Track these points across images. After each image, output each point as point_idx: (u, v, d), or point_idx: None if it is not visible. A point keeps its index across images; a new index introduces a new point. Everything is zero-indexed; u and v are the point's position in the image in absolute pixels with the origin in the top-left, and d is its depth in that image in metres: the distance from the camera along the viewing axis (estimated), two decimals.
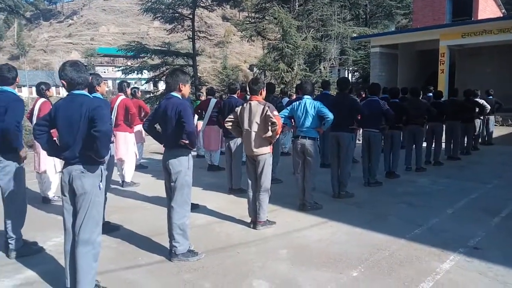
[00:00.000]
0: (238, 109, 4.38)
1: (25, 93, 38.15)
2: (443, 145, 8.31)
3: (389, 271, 3.30)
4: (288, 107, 5.16)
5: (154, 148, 11.10)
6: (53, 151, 3.00)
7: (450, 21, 18.07)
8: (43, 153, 5.40)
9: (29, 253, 3.74)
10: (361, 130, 6.86)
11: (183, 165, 3.51)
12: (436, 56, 14.83)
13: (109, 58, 61.22)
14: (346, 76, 29.54)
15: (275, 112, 4.21)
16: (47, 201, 5.59)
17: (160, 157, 9.65)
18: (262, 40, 27.88)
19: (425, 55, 17.30)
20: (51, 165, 5.51)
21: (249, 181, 4.45)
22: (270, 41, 24.75)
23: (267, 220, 4.39)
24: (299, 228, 4.38)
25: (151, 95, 22.60)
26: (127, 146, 6.42)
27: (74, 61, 2.98)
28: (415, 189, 6.07)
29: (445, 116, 7.94)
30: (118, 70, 24.77)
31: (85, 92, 2.89)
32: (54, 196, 5.66)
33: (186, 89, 3.63)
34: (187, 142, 3.44)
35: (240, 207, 5.01)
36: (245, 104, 4.33)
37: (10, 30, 74.41)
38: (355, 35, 22.24)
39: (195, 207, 4.78)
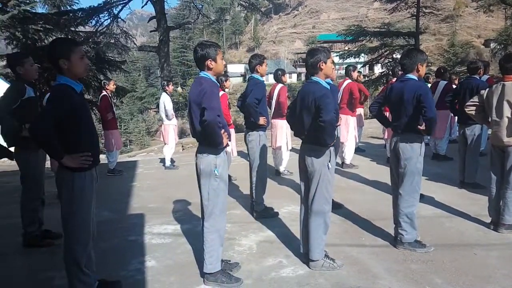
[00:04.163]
0: (484, 92, 3.80)
1: None
2: None
3: None
4: None
5: (371, 132, 11.04)
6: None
7: None
8: (279, 132, 6.19)
9: (268, 216, 4.38)
10: None
11: (415, 152, 3.33)
12: None
13: (328, 44, 63.81)
14: None
15: None
16: (278, 174, 6.40)
17: (376, 141, 9.61)
18: (504, 8, 23.15)
19: None
20: (284, 143, 6.25)
21: (493, 176, 3.82)
22: None
23: None
24: None
25: (366, 78, 22.33)
26: (348, 129, 6.60)
27: (311, 48, 3.15)
28: None
29: None
30: (336, 55, 25.55)
31: (317, 78, 3.02)
32: (284, 170, 6.42)
33: (423, 70, 3.39)
34: (423, 128, 3.24)
35: (475, 203, 4.42)
36: (495, 86, 3.71)
37: (248, 26, 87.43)
38: None
39: (420, 197, 4.49)
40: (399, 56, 19.79)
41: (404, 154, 3.37)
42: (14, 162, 3.78)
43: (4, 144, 3.65)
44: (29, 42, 12.59)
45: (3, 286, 3.00)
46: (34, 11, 12.78)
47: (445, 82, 7.15)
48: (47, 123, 2.32)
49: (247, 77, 6.34)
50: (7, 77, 12.22)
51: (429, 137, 7.54)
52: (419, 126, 3.28)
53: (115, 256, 3.43)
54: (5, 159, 9.85)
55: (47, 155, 4.06)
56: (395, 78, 6.27)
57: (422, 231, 3.65)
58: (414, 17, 19.35)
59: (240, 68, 63.97)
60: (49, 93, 4.86)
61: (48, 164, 4.42)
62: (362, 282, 2.90)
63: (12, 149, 3.68)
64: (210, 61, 2.80)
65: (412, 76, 3.37)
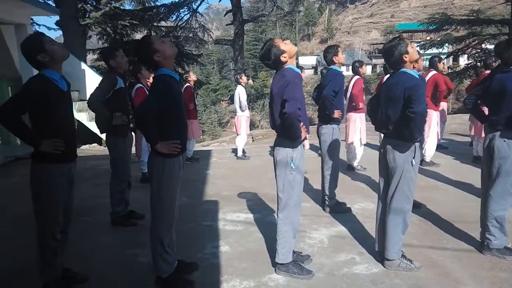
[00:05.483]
0: None
1: None
2: None
3: None
4: None
5: (454, 128, 10.25)
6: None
7: None
8: (352, 126, 6.02)
9: (340, 211, 4.30)
10: None
11: None
12: None
13: (407, 34, 60.13)
14: None
15: None
16: (351, 169, 6.23)
17: (461, 139, 8.88)
18: None
19: None
20: (358, 138, 6.05)
21: None
22: None
23: None
24: None
25: (450, 70, 20.64)
26: (430, 124, 6.18)
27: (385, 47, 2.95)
28: None
29: None
30: (417, 46, 24.02)
31: (406, 69, 2.85)
32: (357, 165, 6.23)
33: None
34: None
35: None
36: None
37: (321, 17, 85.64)
38: None
39: None
40: (489, 47, 18.05)
41: (500, 152, 3.07)
42: (102, 147, 4.16)
43: (96, 131, 4.03)
44: (117, 37, 13.70)
45: (92, 259, 3.33)
46: (122, 7, 13.87)
47: None
48: (151, 111, 2.50)
49: (319, 69, 6.21)
50: (98, 69, 13.42)
51: None
52: None
53: (191, 239, 3.63)
54: (95, 144, 10.90)
55: (133, 141, 4.43)
56: (488, 71, 5.73)
57: None
58: (509, 3, 17.41)
59: (311, 60, 63.10)
60: (137, 85, 5.30)
61: (133, 150, 4.78)
62: (442, 286, 2.72)
63: (103, 135, 4.04)
64: (282, 56, 2.78)
65: None
